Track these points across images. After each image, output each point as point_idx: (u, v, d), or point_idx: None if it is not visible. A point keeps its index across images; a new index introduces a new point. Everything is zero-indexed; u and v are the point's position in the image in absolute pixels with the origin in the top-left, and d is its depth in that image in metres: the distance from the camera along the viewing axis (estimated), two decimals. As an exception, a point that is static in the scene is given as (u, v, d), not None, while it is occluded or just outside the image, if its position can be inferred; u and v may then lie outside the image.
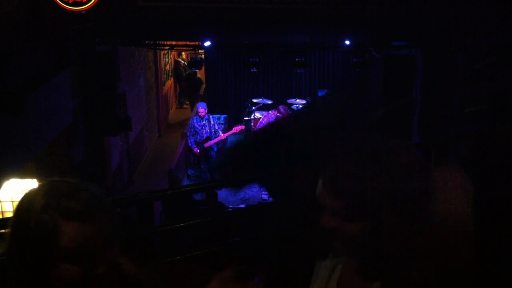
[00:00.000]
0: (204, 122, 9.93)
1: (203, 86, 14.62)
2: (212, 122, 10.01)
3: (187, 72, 14.68)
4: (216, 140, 10.00)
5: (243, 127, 10.73)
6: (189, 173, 11.12)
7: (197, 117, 10.00)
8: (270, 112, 10.80)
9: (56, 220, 1.18)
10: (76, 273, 1.19)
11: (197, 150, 9.97)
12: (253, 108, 11.76)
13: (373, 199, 1.18)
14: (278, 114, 10.59)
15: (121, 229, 1.33)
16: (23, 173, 6.89)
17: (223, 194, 9.71)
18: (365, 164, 1.20)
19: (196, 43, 10.19)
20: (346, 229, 1.23)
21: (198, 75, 14.51)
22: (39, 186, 1.25)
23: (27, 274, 1.18)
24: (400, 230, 1.19)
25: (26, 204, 1.22)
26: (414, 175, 1.22)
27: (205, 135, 9.92)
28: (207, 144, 9.92)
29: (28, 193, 1.24)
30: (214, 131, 10.03)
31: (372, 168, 1.19)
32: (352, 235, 1.23)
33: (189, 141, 10.12)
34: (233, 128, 10.28)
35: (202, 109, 9.96)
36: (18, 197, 7.55)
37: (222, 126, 11.51)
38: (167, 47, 10.99)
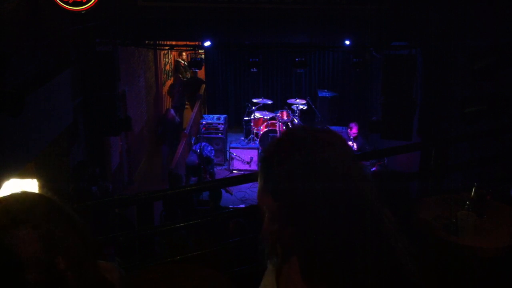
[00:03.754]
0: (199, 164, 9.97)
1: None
2: (204, 156, 10.01)
3: (164, 112, 12.01)
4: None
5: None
6: (189, 173, 11.14)
7: None
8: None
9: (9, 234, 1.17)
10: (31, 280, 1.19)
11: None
12: (253, 108, 11.76)
13: (309, 199, 1.15)
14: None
15: (120, 229, 1.34)
16: (23, 173, 6.89)
17: (223, 194, 9.73)
18: (301, 165, 1.17)
19: (196, 43, 10.20)
20: (286, 232, 1.21)
21: (178, 117, 11.94)
22: None
23: None
24: (337, 230, 1.17)
25: None
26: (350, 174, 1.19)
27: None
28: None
29: None
30: (207, 164, 10.04)
31: (308, 168, 1.16)
32: (291, 238, 1.21)
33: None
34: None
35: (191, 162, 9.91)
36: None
37: (222, 126, 11.51)
38: (167, 47, 10.99)
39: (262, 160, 1.24)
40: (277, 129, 11.04)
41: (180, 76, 13.86)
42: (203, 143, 10.54)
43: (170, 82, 14.60)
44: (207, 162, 10.05)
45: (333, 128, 11.36)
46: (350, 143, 9.70)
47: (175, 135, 10.93)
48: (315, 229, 1.17)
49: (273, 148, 1.23)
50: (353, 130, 9.89)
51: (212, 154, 10.57)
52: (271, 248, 1.32)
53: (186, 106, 14.60)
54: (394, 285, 1.18)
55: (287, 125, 11.02)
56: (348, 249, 1.17)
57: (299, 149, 1.19)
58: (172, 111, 11.35)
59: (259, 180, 1.24)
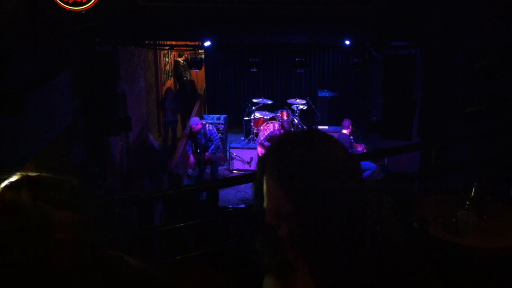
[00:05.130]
0: (201, 135, 9.83)
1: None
2: (208, 133, 9.89)
3: (149, 146, 10.56)
4: (209, 156, 9.89)
5: (222, 155, 10.65)
6: (189, 173, 11.14)
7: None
8: (273, 124, 10.79)
9: (48, 210, 1.19)
10: (68, 262, 1.20)
11: (192, 160, 9.94)
12: (253, 108, 11.76)
13: (317, 195, 1.16)
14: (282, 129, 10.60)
15: (120, 228, 1.35)
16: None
17: (222, 194, 9.74)
18: (312, 161, 1.18)
19: (196, 43, 10.20)
20: (297, 233, 1.21)
21: (170, 132, 11.88)
22: (14, 181, 1.26)
23: (15, 271, 1.18)
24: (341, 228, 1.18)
25: (6, 201, 1.20)
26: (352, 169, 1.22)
27: (202, 148, 9.84)
28: (203, 156, 9.87)
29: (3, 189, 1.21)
30: (211, 142, 9.89)
31: (319, 167, 1.17)
32: (300, 238, 1.21)
33: (188, 149, 10.11)
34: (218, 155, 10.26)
35: (194, 125, 9.79)
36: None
37: (222, 126, 11.51)
38: (167, 47, 11.00)
39: (268, 167, 1.22)
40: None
41: (173, 89, 13.10)
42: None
43: (170, 82, 14.59)
44: (208, 139, 9.92)
45: (333, 128, 11.38)
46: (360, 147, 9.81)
47: (155, 165, 10.10)
48: (323, 227, 1.18)
49: (274, 151, 1.24)
50: (350, 129, 9.98)
51: (217, 138, 10.24)
52: (275, 255, 1.33)
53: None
54: (395, 284, 1.19)
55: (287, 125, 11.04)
56: (352, 247, 1.18)
57: (297, 147, 1.20)
58: (151, 137, 10.76)
59: (268, 190, 1.22)
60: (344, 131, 9.92)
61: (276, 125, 10.54)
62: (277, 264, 1.38)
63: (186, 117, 12.55)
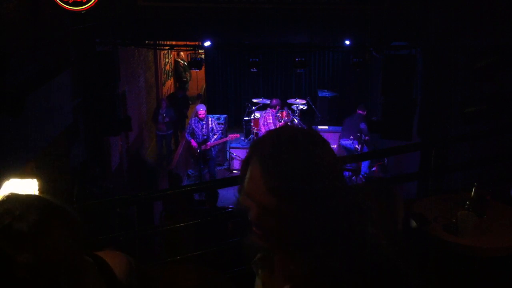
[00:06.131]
0: (203, 123, 9.82)
1: None
2: (210, 125, 9.87)
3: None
4: (212, 143, 9.87)
5: (238, 135, 10.68)
6: (189, 173, 11.14)
7: (196, 118, 9.90)
8: (267, 111, 10.82)
9: (7, 249, 1.14)
10: (63, 263, 1.19)
11: (195, 144, 9.83)
12: (253, 108, 11.76)
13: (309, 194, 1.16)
14: (275, 110, 10.63)
15: (121, 229, 1.35)
16: (23, 173, 6.88)
17: (222, 194, 9.71)
18: (302, 163, 1.18)
19: (196, 43, 10.20)
20: (282, 226, 1.22)
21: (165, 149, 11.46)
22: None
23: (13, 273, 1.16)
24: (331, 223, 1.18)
25: None
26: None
27: (201, 138, 9.80)
28: (204, 147, 9.82)
29: None
30: (212, 134, 9.88)
31: (308, 165, 1.18)
32: (287, 231, 1.22)
33: (188, 137, 10.07)
34: (229, 136, 10.23)
35: (202, 110, 9.81)
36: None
37: (222, 126, 11.50)
38: (167, 47, 11.00)
39: (262, 158, 1.23)
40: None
41: (167, 101, 12.22)
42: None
43: (170, 82, 14.59)
44: (210, 130, 9.89)
45: (333, 128, 11.38)
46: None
47: (149, 182, 9.88)
48: (312, 222, 1.18)
49: (273, 146, 1.24)
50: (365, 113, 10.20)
51: (218, 131, 10.18)
52: (262, 250, 1.33)
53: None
54: (395, 284, 1.18)
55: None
56: (337, 247, 1.17)
57: (299, 147, 1.20)
58: (144, 154, 10.52)
59: (253, 178, 1.23)
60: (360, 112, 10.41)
61: (270, 112, 10.61)
62: (260, 258, 1.40)
63: (180, 127, 12.21)
